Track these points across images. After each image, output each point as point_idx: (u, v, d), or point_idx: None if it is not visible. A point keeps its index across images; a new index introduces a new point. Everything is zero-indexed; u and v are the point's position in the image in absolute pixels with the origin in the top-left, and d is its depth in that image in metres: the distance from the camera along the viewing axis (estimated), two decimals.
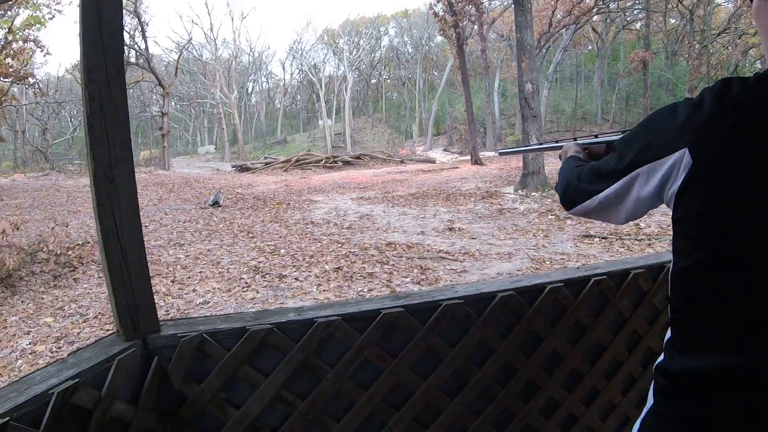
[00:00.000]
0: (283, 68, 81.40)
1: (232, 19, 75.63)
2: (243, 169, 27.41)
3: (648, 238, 8.03)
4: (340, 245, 8.57)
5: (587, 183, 1.14)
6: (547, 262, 7.20)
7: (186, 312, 5.51)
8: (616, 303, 1.85)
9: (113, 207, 1.28)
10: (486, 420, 1.74)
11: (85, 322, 5.31)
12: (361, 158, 27.58)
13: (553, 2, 26.48)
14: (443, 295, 1.68)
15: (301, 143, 46.57)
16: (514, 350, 1.74)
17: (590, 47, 40.42)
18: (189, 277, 6.83)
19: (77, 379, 1.18)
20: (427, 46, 43.75)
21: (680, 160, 0.89)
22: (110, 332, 1.43)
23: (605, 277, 1.82)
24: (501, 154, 2.09)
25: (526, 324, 1.73)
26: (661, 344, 1.07)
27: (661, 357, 1.03)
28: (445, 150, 30.32)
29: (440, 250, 8.17)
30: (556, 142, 1.51)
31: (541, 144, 1.69)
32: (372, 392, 1.57)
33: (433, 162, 24.07)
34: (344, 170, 24.97)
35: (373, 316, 1.53)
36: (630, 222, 1.13)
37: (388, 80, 50.63)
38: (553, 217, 11.17)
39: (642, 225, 8.66)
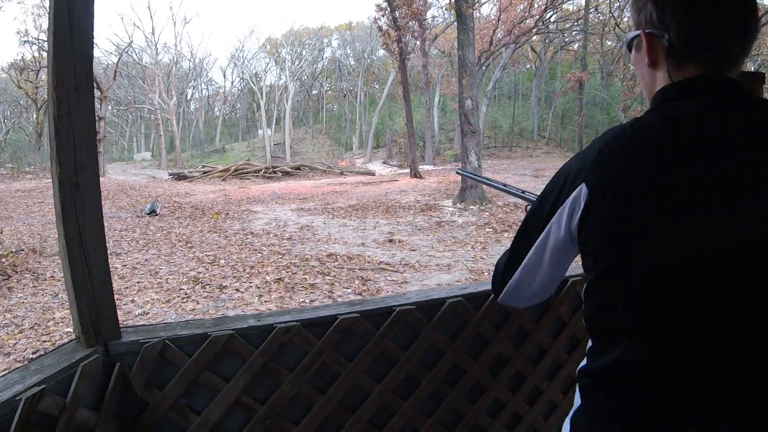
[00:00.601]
0: (224, 76, 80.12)
1: (175, 23, 74.34)
2: (180, 177, 26.81)
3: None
4: (280, 256, 8.54)
5: (509, 253, 1.24)
6: (485, 274, 7.39)
7: (124, 323, 5.38)
8: (556, 308, 1.96)
9: (77, 213, 1.29)
10: (437, 421, 1.81)
11: (20, 332, 5.10)
12: (300, 169, 27.45)
13: (494, 21, 27.17)
14: (396, 301, 1.75)
15: (240, 152, 45.95)
16: (462, 353, 1.82)
17: (528, 66, 41.60)
18: (127, 288, 6.65)
19: (43, 386, 1.17)
20: (369, 59, 43.91)
21: (579, 193, 1.04)
22: (52, 343, 1.42)
23: None
24: (458, 172, 2.19)
25: (472, 328, 1.82)
26: None
27: (584, 362, 1.15)
28: (384, 163, 30.51)
29: (381, 262, 8.25)
30: (522, 192, 1.60)
31: (505, 186, 1.77)
32: (329, 395, 1.61)
33: (373, 174, 24.20)
34: (284, 181, 24.80)
35: (330, 321, 1.58)
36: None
37: (329, 92, 50.55)
38: (490, 230, 11.45)
39: None
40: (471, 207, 14.27)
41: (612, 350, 1.06)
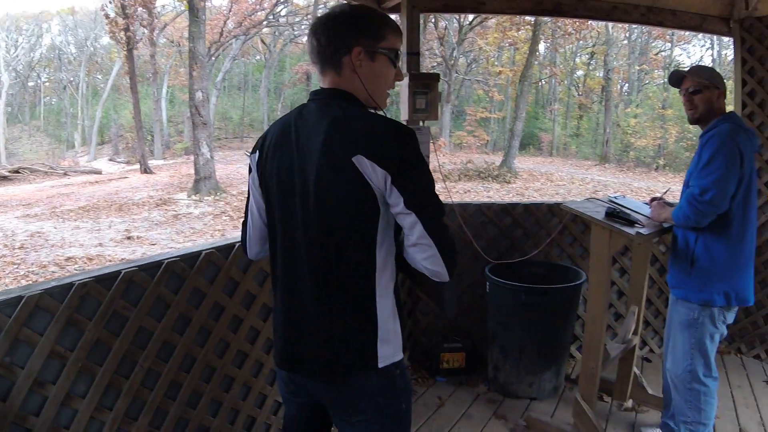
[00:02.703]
0: None
1: None
2: None
3: None
4: (15, 266, 8.12)
5: None
6: None
7: None
8: (227, 271, 2.58)
9: None
10: (208, 350, 2.45)
11: None
12: (20, 172, 24.57)
13: (225, 13, 27.00)
14: (165, 256, 2.31)
15: None
16: (220, 293, 2.47)
17: (258, 57, 41.65)
18: None
19: None
20: (92, 47, 39.49)
21: (253, 158, 1.70)
22: None
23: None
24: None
25: (225, 273, 2.48)
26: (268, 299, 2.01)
27: None
28: (110, 160, 28.64)
29: (122, 259, 8.33)
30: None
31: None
32: (122, 337, 2.12)
33: (100, 173, 22.79)
34: (1, 186, 22.05)
35: (116, 275, 2.08)
36: None
37: (48, 83, 44.29)
38: (227, 218, 11.98)
39: None
40: (206, 198, 14.57)
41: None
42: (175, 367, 2.33)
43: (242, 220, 1.84)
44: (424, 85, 3.71)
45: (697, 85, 2.78)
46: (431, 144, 3.89)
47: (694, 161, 2.72)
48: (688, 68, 2.94)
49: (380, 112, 1.63)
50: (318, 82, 1.63)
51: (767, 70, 4.28)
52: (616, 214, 2.89)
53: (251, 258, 1.85)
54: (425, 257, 1.49)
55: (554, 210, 4.18)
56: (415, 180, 1.47)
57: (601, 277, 3.00)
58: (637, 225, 2.84)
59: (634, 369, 3.64)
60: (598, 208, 3.07)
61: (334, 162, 1.47)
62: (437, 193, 1.54)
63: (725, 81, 2.86)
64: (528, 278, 3.86)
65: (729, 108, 2.92)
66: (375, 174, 1.44)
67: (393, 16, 3.20)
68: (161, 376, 2.28)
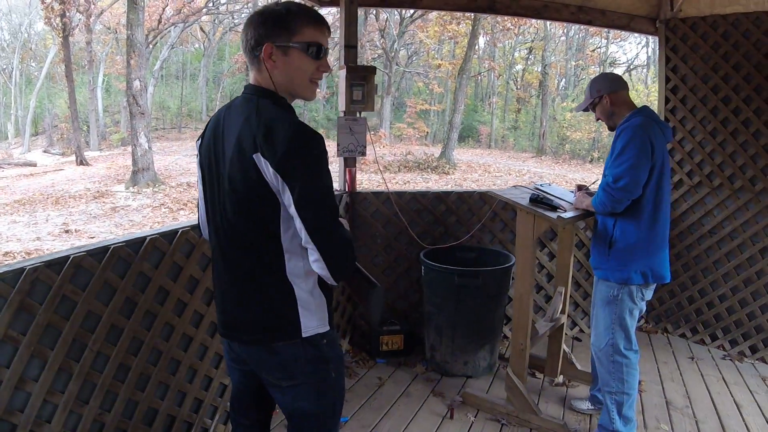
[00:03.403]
0: None
1: None
2: None
3: None
4: None
5: None
6: None
7: None
8: (171, 256, 2.67)
9: None
10: (154, 333, 2.55)
11: None
12: None
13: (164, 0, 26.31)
14: (112, 242, 2.38)
15: None
16: (164, 277, 2.57)
17: (197, 46, 40.64)
18: None
19: None
20: (26, 33, 37.36)
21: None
22: None
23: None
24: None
25: (168, 258, 2.58)
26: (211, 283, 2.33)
27: None
28: (45, 151, 27.47)
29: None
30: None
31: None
32: (72, 321, 2.19)
33: (34, 165, 21.91)
34: None
35: (65, 260, 2.15)
36: None
37: None
38: (166, 209, 11.85)
39: None
40: (144, 190, 14.34)
41: None
42: (123, 350, 2.41)
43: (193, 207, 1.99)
44: (361, 77, 3.87)
45: (588, 105, 3.13)
46: (368, 135, 4.04)
47: (610, 153, 2.96)
48: None
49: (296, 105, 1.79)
50: None
51: (689, 68, 4.55)
52: (540, 200, 3.12)
53: (206, 238, 1.99)
54: (313, 260, 1.61)
55: (485, 198, 4.41)
56: (305, 184, 1.54)
57: (526, 258, 3.22)
58: (559, 210, 3.07)
59: (564, 346, 3.88)
60: (523, 194, 3.29)
61: (241, 157, 1.58)
62: (333, 199, 1.63)
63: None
64: (461, 262, 4.08)
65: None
66: (268, 173, 1.54)
67: (332, 10, 3.32)
68: (110, 359, 2.36)
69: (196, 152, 1.89)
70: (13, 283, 1.98)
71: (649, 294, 3.06)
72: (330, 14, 19.52)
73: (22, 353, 2.02)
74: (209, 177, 1.77)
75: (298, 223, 1.57)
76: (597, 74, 3.33)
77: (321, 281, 1.74)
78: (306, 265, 1.69)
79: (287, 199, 1.56)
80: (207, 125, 1.84)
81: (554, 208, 3.09)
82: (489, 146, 31.79)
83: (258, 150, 1.54)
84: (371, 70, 3.93)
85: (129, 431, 2.48)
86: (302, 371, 1.77)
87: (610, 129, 3.05)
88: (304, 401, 1.81)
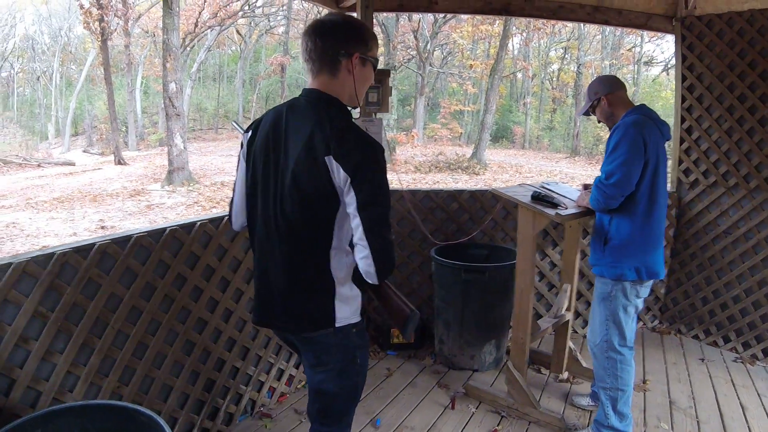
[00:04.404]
0: None
1: None
2: None
3: None
4: None
5: None
6: None
7: None
8: (189, 246, 2.93)
9: None
10: (171, 316, 2.77)
11: None
12: None
13: (200, 3, 26.72)
14: (133, 232, 2.61)
15: None
16: (183, 266, 2.79)
17: (234, 48, 40.96)
18: None
19: None
20: (66, 37, 38.32)
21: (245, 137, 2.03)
22: None
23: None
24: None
25: (187, 248, 2.80)
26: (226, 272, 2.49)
27: None
28: (84, 151, 28.19)
29: None
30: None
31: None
32: (95, 301, 2.41)
33: (74, 164, 22.53)
34: None
35: (90, 247, 2.38)
36: None
37: (21, 74, 42.77)
38: (200, 207, 12.14)
39: None
40: (179, 188, 14.68)
41: None
42: (142, 330, 2.63)
43: (229, 200, 2.17)
44: (377, 80, 3.99)
45: (588, 108, 3.22)
46: (385, 136, 4.19)
47: (605, 151, 3.04)
48: None
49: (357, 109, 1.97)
50: (305, 77, 1.92)
51: (706, 66, 4.52)
52: (542, 198, 3.23)
53: (236, 229, 2.16)
54: (361, 257, 1.76)
55: (498, 196, 4.51)
56: (371, 189, 1.73)
57: (527, 254, 3.34)
58: (560, 207, 3.17)
59: (570, 343, 3.96)
60: (527, 192, 3.41)
61: (311, 156, 1.74)
62: (389, 205, 1.81)
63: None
64: (472, 259, 4.21)
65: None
66: (339, 174, 1.71)
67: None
68: (129, 338, 2.58)
69: (242, 145, 2.01)
70: (44, 265, 2.21)
71: (644, 291, 3.09)
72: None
73: (50, 328, 2.25)
74: (264, 171, 1.89)
75: (356, 222, 1.74)
76: (594, 77, 3.39)
77: (355, 277, 1.92)
78: (348, 261, 1.88)
79: (350, 199, 1.73)
80: (258, 122, 1.97)
81: (555, 205, 3.18)
82: (523, 147, 31.58)
83: (331, 153, 1.71)
84: (386, 73, 4.07)
85: (144, 404, 2.68)
86: (333, 359, 1.95)
87: (610, 130, 3.10)
88: (330, 383, 1.99)
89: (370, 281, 1.82)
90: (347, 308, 1.90)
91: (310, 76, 1.87)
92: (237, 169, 2.07)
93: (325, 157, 1.72)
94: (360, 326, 1.98)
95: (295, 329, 1.95)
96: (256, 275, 2.03)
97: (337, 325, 1.89)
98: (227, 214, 2.41)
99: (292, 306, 1.91)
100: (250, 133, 1.99)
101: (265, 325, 2.06)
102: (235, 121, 3.15)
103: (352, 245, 1.85)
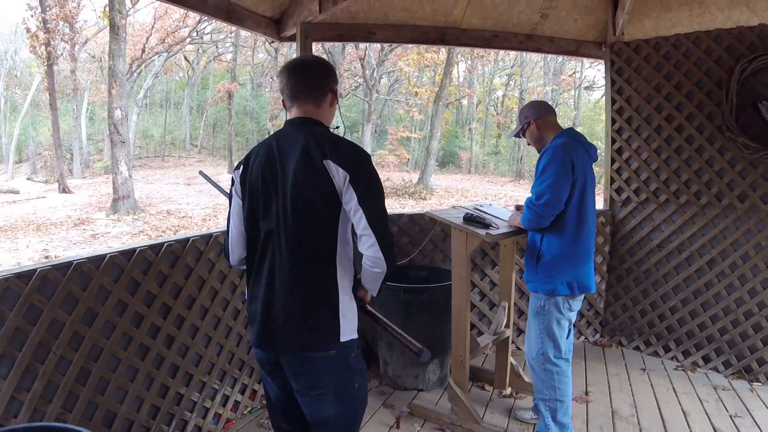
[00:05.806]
0: None
1: None
2: None
3: None
4: None
5: None
6: None
7: None
8: (129, 272, 2.93)
9: None
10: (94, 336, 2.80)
11: None
12: None
13: (148, 29, 26.43)
14: (73, 258, 2.66)
15: None
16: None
17: (181, 75, 40.60)
18: None
19: None
20: (12, 60, 37.12)
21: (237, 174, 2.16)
22: None
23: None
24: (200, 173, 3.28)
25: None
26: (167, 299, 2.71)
27: None
28: (28, 179, 27.39)
29: None
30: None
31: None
32: (38, 326, 2.44)
33: (18, 192, 21.92)
34: None
35: (32, 273, 2.43)
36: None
37: None
38: (145, 236, 11.99)
39: None
40: (124, 217, 14.51)
41: None
42: (84, 355, 2.66)
43: (224, 232, 2.25)
44: None
45: (519, 131, 3.42)
46: None
47: (535, 173, 3.18)
48: None
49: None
50: (288, 111, 2.09)
51: (634, 89, 4.75)
52: (474, 219, 3.37)
53: (233, 264, 2.24)
54: (368, 245, 1.93)
55: (436, 220, 4.65)
56: (368, 185, 1.93)
57: (462, 273, 3.47)
58: (491, 227, 3.32)
59: (511, 359, 4.09)
60: (459, 214, 3.55)
61: (309, 163, 1.90)
62: (384, 200, 2.00)
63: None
64: (412, 281, 4.32)
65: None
66: (338, 174, 1.89)
67: (288, 45, 3.64)
68: (72, 363, 2.61)
69: (233, 181, 2.15)
70: (26, 281, 2.28)
71: (576, 305, 3.24)
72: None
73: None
74: (264, 191, 2.00)
75: (358, 215, 1.91)
76: (525, 103, 3.58)
77: (352, 288, 2.08)
78: (351, 269, 2.06)
79: (350, 195, 1.90)
80: (248, 157, 2.10)
81: (486, 225, 3.32)
82: (469, 171, 32.23)
83: (328, 157, 1.90)
84: None
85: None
86: (331, 382, 2.02)
87: (539, 152, 3.25)
88: (329, 408, 2.05)
89: (378, 270, 1.98)
90: (347, 321, 2.03)
91: (293, 108, 2.07)
92: (230, 206, 2.18)
93: (323, 161, 1.90)
94: (355, 347, 2.09)
95: (299, 348, 2.00)
96: (253, 298, 2.09)
97: (341, 340, 2.00)
98: (167, 241, 2.49)
99: (298, 322, 1.98)
100: (241, 168, 2.11)
101: (266, 347, 2.08)
102: (201, 171, 3.25)
103: (353, 255, 2.04)
